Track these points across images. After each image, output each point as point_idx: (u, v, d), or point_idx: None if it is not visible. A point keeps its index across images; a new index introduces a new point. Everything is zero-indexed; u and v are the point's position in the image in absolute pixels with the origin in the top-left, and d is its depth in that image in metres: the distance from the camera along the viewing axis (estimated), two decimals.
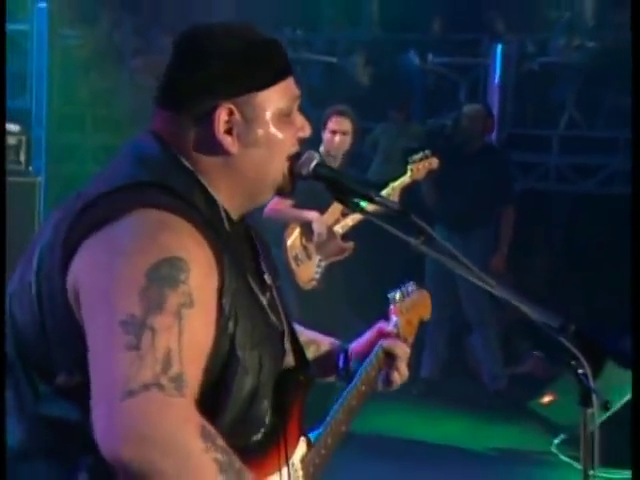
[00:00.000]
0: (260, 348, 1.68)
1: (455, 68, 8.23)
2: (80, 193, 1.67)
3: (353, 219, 4.88)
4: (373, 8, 7.87)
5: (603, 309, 7.23)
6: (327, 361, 2.10)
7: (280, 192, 1.80)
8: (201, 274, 1.55)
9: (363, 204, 1.82)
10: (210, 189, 1.71)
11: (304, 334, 2.07)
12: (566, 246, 7.97)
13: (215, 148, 1.71)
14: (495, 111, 7.84)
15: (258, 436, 1.73)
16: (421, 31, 8.72)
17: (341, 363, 2.08)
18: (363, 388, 1.99)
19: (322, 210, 4.89)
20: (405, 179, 5.14)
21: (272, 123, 1.72)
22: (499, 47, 7.98)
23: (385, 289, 2.23)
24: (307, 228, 5.06)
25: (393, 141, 7.77)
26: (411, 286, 2.20)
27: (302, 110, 1.82)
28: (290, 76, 1.77)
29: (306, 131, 1.80)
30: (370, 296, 6.55)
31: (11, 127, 6.12)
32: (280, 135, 1.74)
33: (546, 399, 6.36)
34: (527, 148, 8.27)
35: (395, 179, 5.21)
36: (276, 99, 1.73)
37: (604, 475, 5.69)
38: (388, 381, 2.07)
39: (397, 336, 2.10)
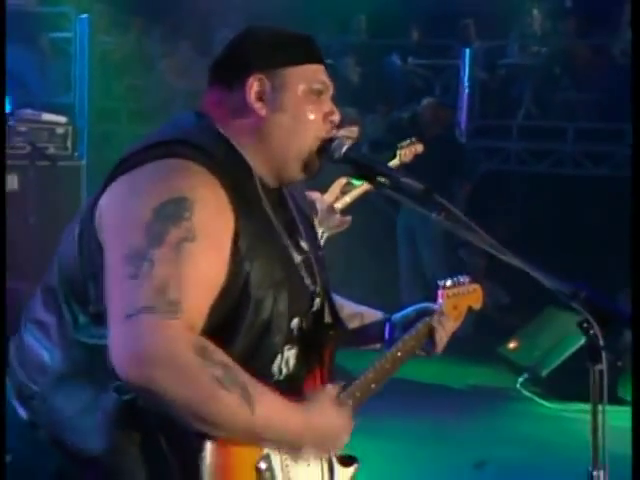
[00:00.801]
0: (277, 289, 1.62)
1: (431, 69, 8.35)
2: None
3: (351, 196, 5.02)
4: (361, 17, 7.94)
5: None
6: (372, 330, 2.03)
7: (306, 169, 1.72)
8: (207, 213, 1.50)
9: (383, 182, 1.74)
10: (245, 155, 1.66)
11: (350, 307, 2.04)
12: (523, 220, 8.02)
13: (247, 113, 1.67)
14: (464, 105, 8.02)
15: (279, 376, 1.68)
16: (402, 37, 8.75)
17: (387, 333, 2.01)
18: (399, 354, 1.91)
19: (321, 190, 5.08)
20: (394, 162, 5.28)
21: (299, 98, 1.67)
22: (467, 51, 8.07)
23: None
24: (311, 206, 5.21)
25: (379, 130, 7.88)
26: (464, 278, 2.14)
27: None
28: (321, 65, 1.72)
29: (335, 117, 1.73)
30: (360, 261, 6.81)
31: (59, 119, 6.16)
32: (307, 110, 1.68)
33: (512, 345, 6.47)
34: (492, 136, 8.39)
35: (386, 162, 5.37)
36: (304, 77, 1.68)
37: (560, 407, 5.98)
38: (425, 351, 2.01)
39: (441, 315, 2.02)
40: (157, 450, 1.51)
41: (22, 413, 1.60)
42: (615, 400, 6.07)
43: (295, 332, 1.71)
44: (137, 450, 1.51)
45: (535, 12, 8.53)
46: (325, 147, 1.71)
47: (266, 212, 1.66)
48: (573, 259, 6.81)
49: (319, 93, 1.70)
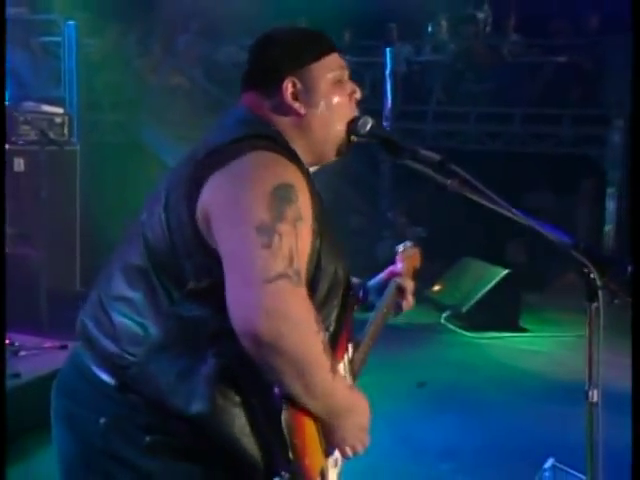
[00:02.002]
0: (336, 262, 1.58)
1: (361, 65, 8.28)
2: (192, 154, 1.55)
3: None
4: (303, 20, 7.92)
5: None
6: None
7: (340, 151, 1.66)
8: (305, 198, 1.46)
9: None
10: (299, 148, 1.60)
11: None
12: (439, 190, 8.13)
13: (287, 113, 1.60)
14: (389, 95, 8.12)
15: (327, 335, 1.58)
16: (337, 39, 8.62)
17: (362, 295, 1.97)
18: (385, 310, 1.89)
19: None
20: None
21: (328, 88, 1.62)
22: (390, 50, 8.13)
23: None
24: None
25: None
26: (409, 243, 2.11)
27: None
28: (335, 52, 1.65)
29: (358, 94, 1.67)
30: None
31: (57, 109, 6.08)
32: (336, 98, 1.62)
33: (436, 288, 6.61)
34: (411, 119, 8.42)
35: None
36: (327, 68, 1.62)
37: (476, 336, 6.17)
38: (399, 308, 1.97)
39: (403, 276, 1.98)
40: (251, 409, 1.46)
41: (107, 379, 1.51)
42: (517, 329, 6.37)
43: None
44: (234, 409, 1.45)
45: (443, 20, 8.66)
46: (352, 127, 1.64)
47: (319, 196, 1.59)
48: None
49: (341, 79, 1.64)
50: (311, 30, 1.69)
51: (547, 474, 2.81)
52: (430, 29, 8.71)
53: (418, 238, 7.28)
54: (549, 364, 5.61)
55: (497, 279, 6.17)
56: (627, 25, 8.16)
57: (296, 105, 1.60)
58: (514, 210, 1.66)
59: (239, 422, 1.46)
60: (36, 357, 4.19)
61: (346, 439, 1.55)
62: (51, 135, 5.76)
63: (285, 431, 1.44)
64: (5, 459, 2.52)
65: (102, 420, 1.50)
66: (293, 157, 1.54)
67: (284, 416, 1.44)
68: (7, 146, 5.49)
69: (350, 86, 1.66)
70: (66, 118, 6.06)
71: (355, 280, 1.92)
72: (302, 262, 1.42)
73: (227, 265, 1.40)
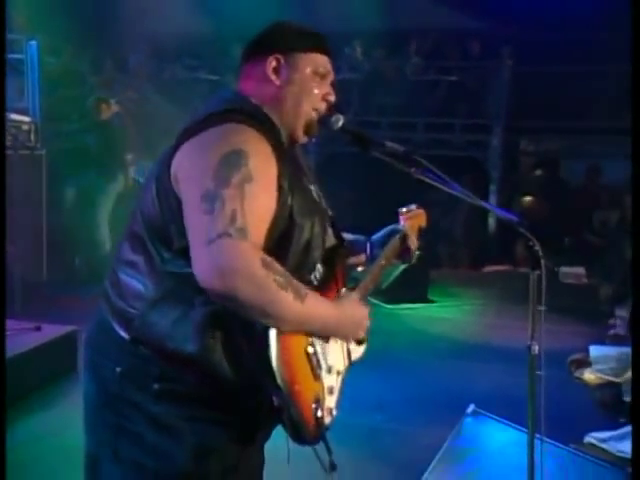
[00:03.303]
0: (311, 216, 1.51)
1: None
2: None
3: None
4: (236, 47, 7.68)
5: None
6: (358, 247, 1.85)
7: (307, 132, 1.58)
8: (259, 160, 1.39)
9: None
10: (270, 117, 1.52)
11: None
12: (356, 188, 7.92)
13: (266, 83, 1.54)
14: None
15: (314, 282, 1.54)
16: None
17: (369, 249, 1.85)
18: (383, 262, 1.79)
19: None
20: None
21: (307, 76, 1.55)
22: None
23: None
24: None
25: None
26: (413, 205, 1.97)
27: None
28: (328, 56, 1.59)
29: (331, 97, 1.60)
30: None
31: (24, 118, 5.85)
32: (312, 87, 1.56)
33: (359, 268, 6.56)
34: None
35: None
36: (312, 62, 1.56)
37: (394, 307, 6.17)
38: (402, 258, 1.89)
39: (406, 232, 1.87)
40: (237, 345, 1.42)
41: (122, 333, 1.48)
42: (426, 300, 6.42)
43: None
44: (222, 347, 1.42)
45: (357, 44, 8.65)
46: (325, 119, 1.59)
47: (294, 159, 1.54)
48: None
49: (322, 76, 1.58)
50: (316, 30, 1.61)
51: (470, 418, 2.78)
52: (347, 52, 8.67)
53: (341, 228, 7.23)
54: (454, 328, 5.67)
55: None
56: (502, 53, 8.49)
57: (273, 77, 1.54)
58: (469, 194, 1.64)
59: (228, 358, 1.42)
60: (13, 337, 4.02)
61: (347, 336, 1.57)
62: (21, 140, 5.60)
63: (273, 361, 1.38)
64: (5, 459, 2.34)
65: (118, 369, 1.48)
66: (266, 125, 1.48)
67: (272, 348, 1.38)
68: None
69: (328, 87, 1.60)
70: (32, 126, 5.88)
71: (359, 237, 1.86)
72: (251, 219, 1.34)
73: (186, 227, 1.38)
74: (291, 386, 1.41)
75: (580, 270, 6.38)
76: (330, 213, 1.66)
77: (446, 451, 2.50)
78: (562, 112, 8.26)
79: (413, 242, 1.89)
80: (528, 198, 8.03)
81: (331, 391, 1.54)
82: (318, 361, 1.50)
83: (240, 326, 1.40)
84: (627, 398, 3.73)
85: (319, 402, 1.47)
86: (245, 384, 1.44)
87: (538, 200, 7.98)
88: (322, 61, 1.58)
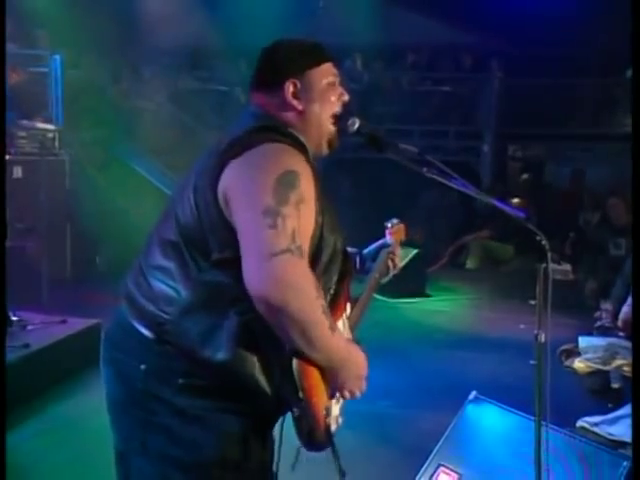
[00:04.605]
0: (335, 234, 1.49)
1: None
2: (216, 145, 1.45)
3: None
4: (242, 62, 7.64)
5: None
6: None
7: (330, 146, 1.57)
8: (308, 183, 1.38)
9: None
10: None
11: None
12: (358, 190, 7.92)
13: (288, 109, 1.50)
14: None
15: (329, 297, 1.51)
16: None
17: (359, 263, 1.85)
18: (377, 276, 1.80)
19: None
20: None
21: (322, 90, 1.53)
22: None
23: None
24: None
25: None
26: (395, 219, 1.95)
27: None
28: (331, 62, 1.56)
29: (345, 97, 1.58)
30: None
31: (49, 126, 5.87)
32: (329, 98, 1.54)
33: None
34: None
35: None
36: (323, 74, 1.54)
37: (395, 301, 6.12)
38: (388, 271, 1.85)
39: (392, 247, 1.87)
40: (266, 357, 1.39)
41: (147, 333, 1.43)
42: (424, 294, 6.39)
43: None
44: (253, 358, 1.38)
45: (358, 57, 8.61)
46: (341, 126, 1.57)
47: (319, 180, 1.49)
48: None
49: (334, 84, 1.56)
50: (310, 42, 1.58)
51: (472, 404, 2.75)
52: (347, 64, 8.64)
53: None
54: (450, 320, 5.65)
55: (409, 257, 6.16)
56: (492, 65, 8.49)
57: (295, 102, 1.51)
58: (480, 192, 1.61)
59: (257, 367, 1.39)
60: (41, 330, 4.03)
61: (345, 385, 1.48)
62: (47, 147, 5.62)
63: (295, 375, 1.38)
64: (5, 459, 2.32)
65: (143, 366, 1.43)
66: (299, 146, 1.45)
67: (294, 364, 1.38)
68: (7, 157, 5.31)
69: (340, 90, 1.58)
70: (56, 134, 5.90)
71: (352, 250, 1.82)
72: (304, 238, 1.34)
73: (242, 243, 1.33)
74: (310, 399, 1.41)
75: (567, 267, 6.36)
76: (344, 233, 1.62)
77: (450, 435, 2.47)
78: (547, 120, 8.25)
79: (398, 255, 1.89)
80: (516, 200, 8.01)
81: (337, 400, 1.53)
82: None
83: (270, 339, 1.36)
84: (615, 385, 3.72)
85: (328, 411, 1.47)
86: (270, 394, 1.41)
87: (525, 202, 7.95)
88: (330, 70, 1.56)
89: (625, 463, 2.03)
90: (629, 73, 7.00)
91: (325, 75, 1.54)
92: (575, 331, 4.57)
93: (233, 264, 1.34)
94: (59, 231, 5.81)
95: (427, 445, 2.58)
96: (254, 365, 1.38)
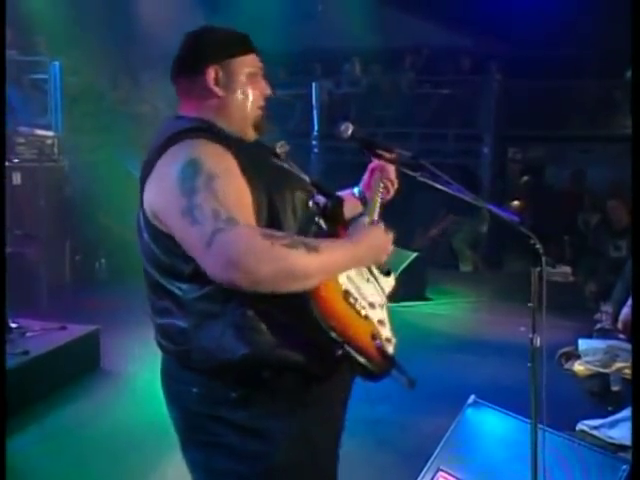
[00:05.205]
0: (292, 188, 1.45)
1: (293, 97, 8.12)
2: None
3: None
4: None
5: None
6: (350, 201, 1.74)
7: (257, 130, 1.52)
8: (214, 160, 1.34)
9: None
10: (218, 124, 1.47)
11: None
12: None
13: (209, 96, 1.48)
14: (316, 120, 8.01)
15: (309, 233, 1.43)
16: (272, 75, 8.46)
17: (360, 197, 1.77)
18: (377, 196, 1.65)
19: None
20: None
21: (244, 80, 1.50)
22: (314, 84, 7.97)
23: None
24: None
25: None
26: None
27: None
28: (255, 54, 1.53)
29: (268, 91, 1.55)
30: None
31: (48, 133, 5.88)
32: (250, 89, 1.51)
33: None
34: (334, 139, 8.08)
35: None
36: (246, 65, 1.51)
37: (393, 305, 6.12)
38: (387, 191, 1.74)
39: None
40: (282, 327, 1.36)
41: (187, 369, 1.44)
42: (424, 298, 6.39)
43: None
44: (270, 336, 1.36)
45: (356, 60, 8.62)
46: (336, 132, 1.57)
47: (257, 152, 1.48)
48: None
49: (256, 75, 1.53)
50: (236, 31, 1.55)
51: (471, 408, 2.75)
52: (346, 68, 8.65)
53: None
54: (449, 324, 5.64)
55: (409, 260, 6.17)
56: (491, 68, 8.50)
57: (216, 89, 1.48)
58: (474, 196, 1.61)
59: (279, 343, 1.36)
60: (40, 337, 4.03)
61: (374, 261, 1.50)
62: (46, 153, 5.63)
63: (320, 321, 1.32)
64: (5, 459, 2.32)
65: (194, 390, 1.43)
66: (208, 132, 1.41)
67: (313, 309, 1.32)
68: (6, 163, 5.32)
69: (263, 83, 1.55)
70: (55, 140, 5.90)
71: (350, 190, 1.78)
72: (234, 207, 1.29)
73: (185, 249, 1.33)
74: (346, 332, 1.35)
75: (566, 269, 6.36)
76: (312, 179, 1.59)
77: (449, 439, 2.47)
78: (547, 122, 8.26)
79: (391, 171, 1.74)
80: (516, 202, 8.02)
81: (382, 323, 1.50)
82: (358, 301, 1.43)
83: (277, 307, 1.33)
84: (615, 388, 3.71)
85: (376, 336, 1.44)
86: (308, 355, 1.37)
87: (525, 204, 7.96)
88: (253, 60, 1.53)
89: (624, 467, 2.03)
90: (628, 74, 7.01)
91: (248, 65, 1.51)
92: (575, 334, 4.57)
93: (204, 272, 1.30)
94: (59, 237, 5.82)
95: (427, 449, 2.57)
96: (273, 342, 1.35)
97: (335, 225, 1.50)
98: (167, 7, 7.95)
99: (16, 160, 5.44)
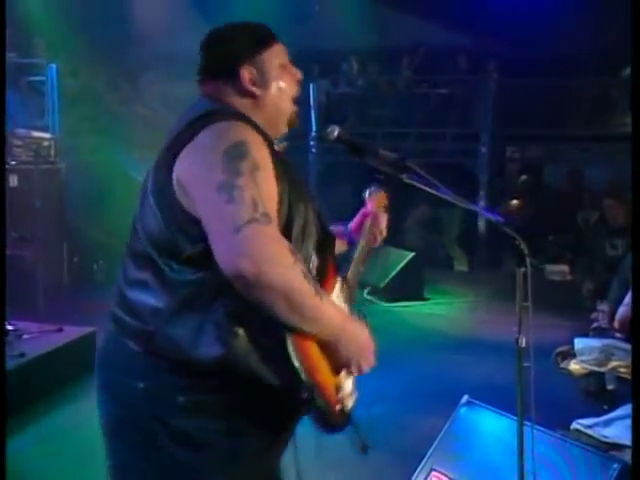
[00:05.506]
0: (304, 202, 1.43)
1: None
2: (165, 146, 1.41)
3: None
4: None
5: None
6: (340, 235, 1.75)
7: (290, 124, 1.55)
8: (260, 150, 1.33)
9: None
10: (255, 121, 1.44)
11: None
12: (354, 189, 8.00)
13: (246, 95, 1.47)
14: (314, 120, 8.03)
15: (314, 271, 1.46)
16: None
17: (348, 237, 1.81)
18: (364, 244, 1.74)
19: None
20: None
21: (277, 73, 1.50)
22: (312, 85, 7.88)
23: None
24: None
25: None
26: (375, 186, 1.88)
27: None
28: (278, 42, 1.53)
29: (299, 75, 1.55)
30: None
31: (44, 135, 5.89)
32: (283, 80, 1.51)
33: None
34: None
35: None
36: (274, 56, 1.51)
37: (391, 305, 6.16)
38: (375, 240, 1.81)
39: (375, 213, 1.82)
40: (259, 343, 1.33)
41: (139, 350, 1.37)
42: (421, 298, 6.39)
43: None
44: (246, 346, 1.32)
45: (354, 60, 8.62)
46: (322, 133, 1.57)
47: (280, 153, 1.45)
48: None
49: (285, 64, 1.53)
50: (256, 24, 1.54)
51: (464, 408, 2.76)
52: (344, 68, 8.66)
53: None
54: (446, 324, 5.65)
55: (406, 260, 6.18)
56: (488, 67, 8.51)
57: (253, 89, 1.48)
58: (458, 197, 1.60)
59: (253, 357, 1.32)
60: (37, 339, 4.05)
61: (350, 358, 1.40)
62: (42, 155, 5.63)
63: (293, 356, 1.31)
64: (5, 459, 2.32)
65: (141, 385, 1.37)
66: (253, 126, 1.40)
67: (289, 344, 1.31)
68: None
69: (293, 69, 1.55)
70: (52, 142, 5.90)
71: (340, 227, 1.80)
72: (268, 204, 1.28)
73: (206, 226, 1.28)
74: (314, 378, 1.34)
75: (564, 267, 6.36)
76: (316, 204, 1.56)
77: (442, 439, 2.48)
78: (544, 121, 8.27)
79: (383, 221, 1.83)
80: (515, 201, 8.02)
81: (347, 375, 1.47)
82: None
83: (261, 324, 1.31)
84: (610, 386, 3.72)
85: (340, 388, 1.42)
86: (276, 383, 1.34)
87: (524, 203, 7.97)
88: (281, 50, 1.53)
89: (615, 465, 2.04)
90: (627, 72, 7.01)
91: (277, 56, 1.51)
92: (572, 332, 4.54)
93: (207, 257, 1.28)
94: (56, 239, 5.83)
95: (423, 449, 2.57)
96: (249, 354, 1.32)
97: (325, 261, 1.50)
98: (164, 9, 7.97)
99: (13, 162, 5.46)
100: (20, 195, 5.39)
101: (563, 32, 7.75)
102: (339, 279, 1.57)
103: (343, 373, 1.44)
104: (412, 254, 6.24)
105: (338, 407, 1.40)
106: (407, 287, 6.08)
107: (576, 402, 3.77)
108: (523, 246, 1.59)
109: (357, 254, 1.73)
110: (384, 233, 1.83)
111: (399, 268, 6.09)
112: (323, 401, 1.36)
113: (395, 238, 7.19)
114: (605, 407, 3.51)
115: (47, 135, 5.87)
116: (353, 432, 1.46)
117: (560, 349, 4.31)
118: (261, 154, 1.33)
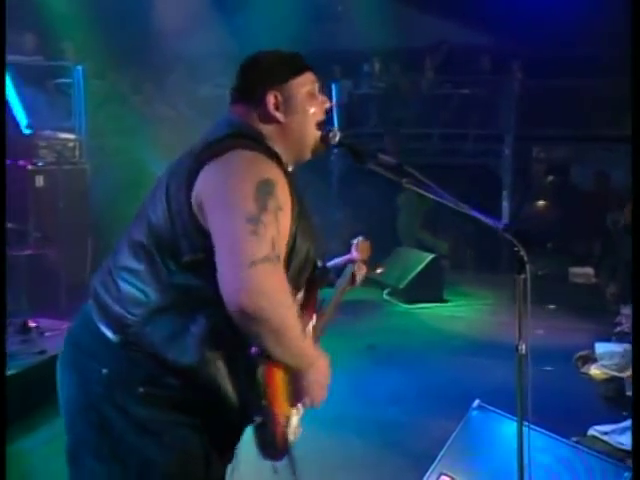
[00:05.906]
0: (308, 242, 1.48)
1: None
2: (191, 149, 1.46)
3: None
4: None
5: None
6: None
7: (314, 152, 1.58)
8: (283, 190, 1.38)
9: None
10: (277, 149, 1.49)
11: None
12: (373, 192, 7.97)
13: (270, 120, 1.50)
14: (335, 121, 7.96)
15: (298, 304, 1.52)
16: None
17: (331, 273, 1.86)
18: (342, 289, 1.82)
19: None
20: None
21: (303, 100, 1.53)
22: (334, 85, 7.90)
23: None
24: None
25: None
26: (362, 237, 1.97)
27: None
28: (309, 71, 1.57)
29: (327, 104, 1.59)
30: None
31: (70, 136, 5.97)
32: (310, 107, 1.54)
33: (378, 271, 6.20)
34: (353, 139, 8.13)
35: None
36: (302, 84, 1.54)
37: (410, 307, 6.12)
38: (354, 283, 1.89)
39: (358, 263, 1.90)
40: (232, 362, 1.40)
41: (112, 336, 1.41)
42: (441, 300, 6.34)
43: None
44: (219, 362, 1.39)
45: (376, 60, 8.60)
46: (324, 137, 1.56)
47: (296, 189, 1.47)
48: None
49: (314, 92, 1.56)
50: (289, 52, 1.58)
51: (475, 412, 2.73)
52: (366, 68, 8.63)
53: (360, 233, 7.18)
54: (466, 326, 5.60)
55: (425, 262, 6.15)
56: (511, 67, 8.42)
57: (277, 114, 1.51)
58: (458, 202, 1.60)
59: (222, 372, 1.39)
60: (58, 337, 4.08)
61: (309, 390, 1.48)
62: (66, 156, 5.72)
63: (260, 382, 1.39)
64: (5, 459, 2.37)
65: (104, 370, 1.41)
66: (272, 155, 1.45)
67: (259, 371, 1.39)
68: (29, 167, 5.51)
69: (322, 97, 1.59)
70: (77, 143, 5.96)
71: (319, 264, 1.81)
72: (281, 247, 1.34)
73: (220, 246, 1.31)
74: (272, 407, 1.41)
75: (589, 270, 6.26)
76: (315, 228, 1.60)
77: (452, 443, 2.46)
78: (568, 121, 8.15)
79: (363, 271, 1.91)
80: (541, 203, 7.91)
81: (297, 411, 1.52)
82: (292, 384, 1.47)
83: (237, 344, 1.37)
84: (630, 392, 3.65)
85: (288, 422, 1.47)
86: (234, 401, 1.40)
87: (550, 204, 7.85)
88: (310, 78, 1.56)
89: (626, 474, 2.01)
90: None
91: (305, 84, 1.54)
92: (594, 337, 4.49)
93: (204, 267, 1.32)
94: (80, 239, 5.90)
95: (437, 453, 2.55)
96: (219, 370, 1.38)
97: (310, 295, 1.58)
98: (188, 11, 8.03)
99: (40, 163, 5.54)
100: (46, 195, 5.49)
101: (587, 32, 7.63)
102: (315, 316, 1.64)
103: (295, 409, 1.50)
104: (432, 256, 6.20)
105: (281, 440, 1.46)
106: (427, 289, 6.03)
107: (595, 407, 3.69)
108: (523, 253, 1.59)
109: (333, 299, 1.78)
110: (361, 279, 1.91)
111: (419, 269, 6.05)
112: (272, 431, 1.43)
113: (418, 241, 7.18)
114: (624, 413, 3.44)
115: (72, 136, 5.94)
116: (289, 467, 1.53)
117: (580, 353, 4.24)
118: (284, 195, 1.37)
